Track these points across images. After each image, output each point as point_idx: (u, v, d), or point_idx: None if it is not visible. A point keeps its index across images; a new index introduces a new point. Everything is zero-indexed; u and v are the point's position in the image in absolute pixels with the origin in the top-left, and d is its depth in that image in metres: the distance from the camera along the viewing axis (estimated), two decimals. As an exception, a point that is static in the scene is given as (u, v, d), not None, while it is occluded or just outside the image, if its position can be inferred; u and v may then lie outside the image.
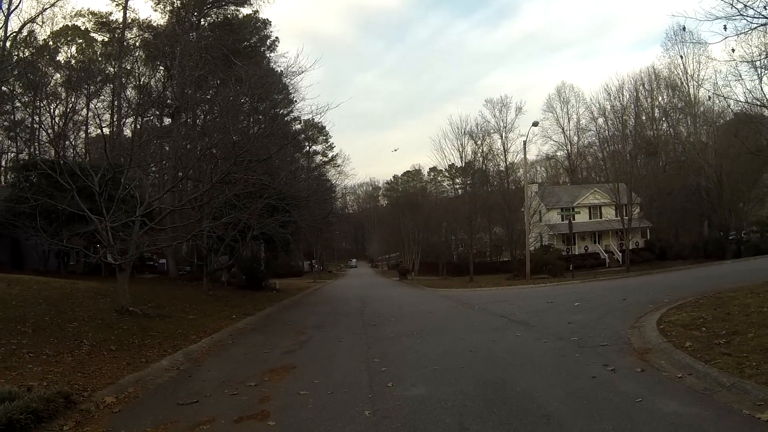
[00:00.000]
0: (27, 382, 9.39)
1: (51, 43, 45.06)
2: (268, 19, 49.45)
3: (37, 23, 35.63)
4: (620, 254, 60.30)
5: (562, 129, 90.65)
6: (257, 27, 48.53)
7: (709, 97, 59.69)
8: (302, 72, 35.43)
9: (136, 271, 32.17)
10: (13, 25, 34.05)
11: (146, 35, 45.10)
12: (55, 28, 42.68)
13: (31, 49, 40.23)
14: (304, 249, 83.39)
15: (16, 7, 32.99)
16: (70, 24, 46.64)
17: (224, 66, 34.44)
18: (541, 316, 18.02)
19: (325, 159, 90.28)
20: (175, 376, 11.73)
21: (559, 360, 10.74)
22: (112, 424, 8.15)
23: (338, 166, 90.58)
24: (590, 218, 68.06)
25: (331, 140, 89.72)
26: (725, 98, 42.23)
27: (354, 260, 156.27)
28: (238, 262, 38.32)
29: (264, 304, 28.61)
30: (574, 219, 59.37)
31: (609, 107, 72.66)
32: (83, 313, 16.52)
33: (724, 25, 15.68)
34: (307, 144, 75.78)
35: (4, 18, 32.10)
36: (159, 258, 50.79)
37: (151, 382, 11.02)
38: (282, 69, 39.04)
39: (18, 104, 44.45)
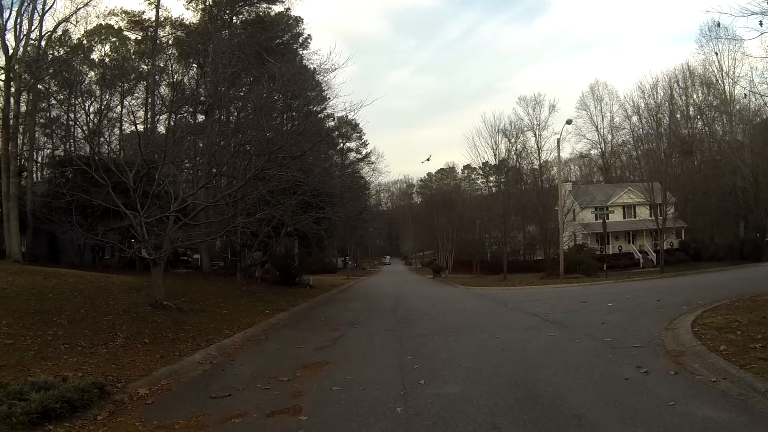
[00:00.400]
0: (62, 372, 9.50)
1: (85, 41, 45.49)
2: (300, 17, 49.69)
3: (71, 23, 35.92)
4: (654, 255, 59.32)
5: (596, 127, 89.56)
6: (289, 24, 48.71)
7: (745, 94, 58.70)
8: (335, 69, 35.25)
9: (170, 265, 32.45)
10: (48, 24, 34.43)
11: (179, 33, 45.59)
12: (89, 27, 43.04)
13: (65, 47, 40.62)
14: (338, 246, 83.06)
15: (50, 7, 33.34)
16: (103, 23, 47.24)
17: (257, 63, 34.59)
18: (574, 316, 17.90)
19: (359, 156, 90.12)
20: (208, 369, 11.78)
21: (592, 361, 10.61)
22: (145, 415, 8.19)
23: (372, 163, 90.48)
24: (624, 218, 67.11)
25: (364, 137, 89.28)
26: (762, 96, 41.70)
27: (388, 257, 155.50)
28: (272, 258, 38.52)
29: (297, 300, 28.74)
30: (608, 218, 58.76)
31: (643, 105, 72.00)
32: (118, 306, 16.71)
33: (760, 21, 15.35)
34: (340, 141, 75.75)
35: (39, 18, 32.46)
36: (193, 253, 51.18)
37: (185, 375, 11.10)
38: (315, 66, 39.07)
39: (54, 102, 44.95)
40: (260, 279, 36.64)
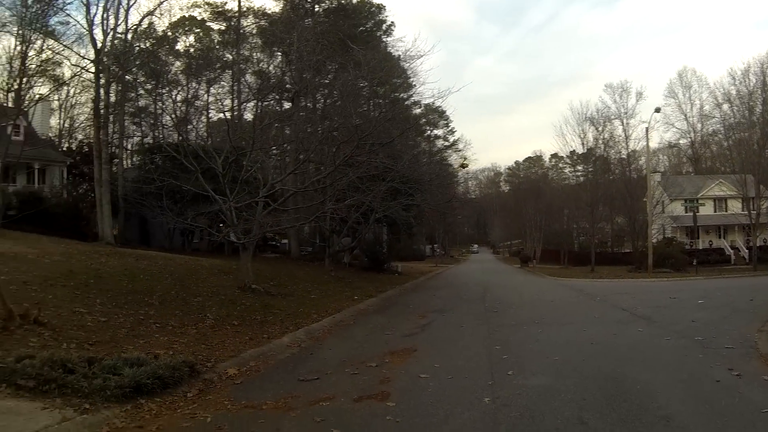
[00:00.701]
0: (153, 350, 9.71)
1: (170, 33, 46.56)
2: (382, 4, 49.54)
3: (155, 16, 37.08)
4: (747, 251, 57.15)
5: (685, 116, 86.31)
6: (371, 12, 48.71)
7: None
8: (420, 56, 35.15)
9: (258, 250, 32.89)
10: (133, 18, 35.74)
11: (262, 23, 46.11)
12: (173, 19, 44.04)
13: (151, 40, 41.87)
14: (426, 233, 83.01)
15: (134, 2, 34.64)
16: (186, 15, 48.13)
17: (341, 51, 34.64)
18: (663, 312, 17.35)
19: (446, 143, 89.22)
20: (296, 352, 11.86)
21: (681, 359, 10.20)
22: (233, 395, 8.28)
23: (460, 150, 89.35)
24: (715, 211, 64.69)
25: (451, 125, 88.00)
26: None
27: (476, 246, 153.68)
28: (361, 244, 38.87)
29: (386, 287, 28.88)
30: (698, 211, 56.87)
31: (734, 92, 69.36)
32: (207, 288, 17.06)
33: None
34: (427, 128, 75.42)
35: (124, 12, 33.67)
36: (281, 238, 51.84)
37: (273, 357, 11.18)
38: (400, 53, 38.98)
39: (141, 92, 46.17)
40: (349, 265, 36.85)
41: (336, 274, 29.82)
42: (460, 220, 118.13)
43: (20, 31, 31.99)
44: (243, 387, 8.79)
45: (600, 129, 68.75)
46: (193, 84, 48.67)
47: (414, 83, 41.69)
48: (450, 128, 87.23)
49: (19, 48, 31.79)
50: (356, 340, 13.73)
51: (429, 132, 78.03)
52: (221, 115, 40.72)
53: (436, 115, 73.49)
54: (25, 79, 32.55)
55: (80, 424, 6.58)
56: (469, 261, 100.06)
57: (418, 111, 50.73)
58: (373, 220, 31.74)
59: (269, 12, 46.27)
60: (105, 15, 32.52)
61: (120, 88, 37.33)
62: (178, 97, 45.65)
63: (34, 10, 31.93)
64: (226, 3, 48.06)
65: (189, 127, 36.41)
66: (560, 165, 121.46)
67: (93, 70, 33.27)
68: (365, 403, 7.84)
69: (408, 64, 35.71)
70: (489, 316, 18.12)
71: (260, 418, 7.25)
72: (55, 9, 33.10)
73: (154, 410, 7.34)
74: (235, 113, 41.13)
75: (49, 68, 39.58)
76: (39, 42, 33.20)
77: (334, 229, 32.50)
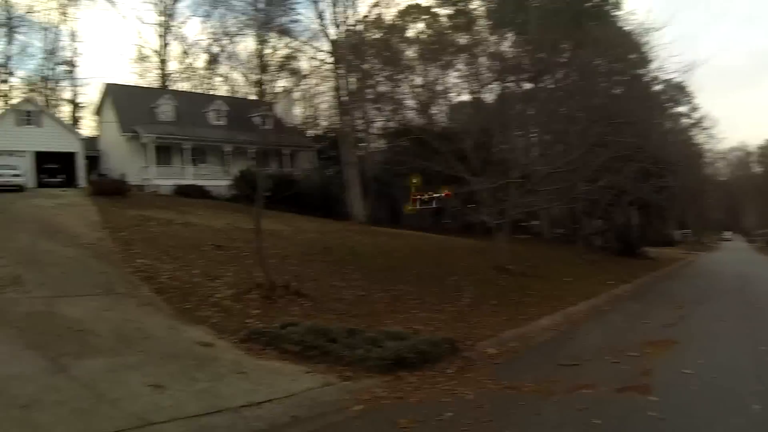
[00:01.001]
0: (412, 325, 9.97)
1: (399, 22, 47.75)
2: (606, -23, 47.31)
3: (381, 6, 38.95)
4: None
5: None
6: (596, -14, 46.79)
7: None
8: (657, 29, 33.25)
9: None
10: (361, 11, 37.77)
11: (490, 5, 45.92)
12: (400, 8, 45.36)
13: (382, 29, 43.37)
14: (676, 217, 79.17)
15: (360, -5, 36.67)
16: (413, 3, 49.00)
17: (574, 28, 33.76)
18: None
19: (691, 121, 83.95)
20: (554, 336, 11.62)
21: None
22: (494, 374, 8.23)
23: (706, 128, 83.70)
24: None
25: (694, 101, 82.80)
26: None
27: (729, 233, 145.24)
28: (612, 227, 37.92)
29: (639, 272, 27.70)
30: None
31: None
32: (461, 267, 17.31)
33: None
34: (670, 105, 71.29)
35: (352, 6, 36.32)
36: (531, 219, 51.75)
37: (531, 339, 11.02)
38: (633, 28, 37.35)
39: (380, 78, 47.78)
40: (601, 248, 35.89)
41: (588, 257, 29.03)
42: (711, 204, 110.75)
43: (258, 33, 35.68)
44: (502, 367, 8.73)
45: None
46: (431, 68, 49.67)
47: (650, 58, 39.77)
48: (693, 105, 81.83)
49: (258, 48, 34.88)
50: (613, 326, 13.29)
51: (671, 109, 73.49)
52: (462, 97, 41.46)
53: (677, 91, 69.03)
54: (267, 75, 35.46)
55: (342, 389, 6.99)
56: (721, 249, 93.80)
57: (657, 87, 47.93)
58: (626, 203, 30.66)
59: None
60: (335, 10, 35.78)
61: (360, 76, 39.01)
62: (417, 81, 47.05)
63: (265, 13, 35.40)
64: (451, -11, 48.49)
65: (430, 110, 37.24)
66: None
67: (330, 61, 36.42)
68: (626, 395, 7.51)
69: (642, 39, 34.12)
70: (751, 311, 16.64)
71: (520, 400, 7.16)
72: (285, 10, 36.78)
73: (414, 383, 7.52)
74: (476, 95, 41.47)
75: (288, 63, 42.56)
76: (276, 41, 36.88)
77: (586, 210, 31.74)
